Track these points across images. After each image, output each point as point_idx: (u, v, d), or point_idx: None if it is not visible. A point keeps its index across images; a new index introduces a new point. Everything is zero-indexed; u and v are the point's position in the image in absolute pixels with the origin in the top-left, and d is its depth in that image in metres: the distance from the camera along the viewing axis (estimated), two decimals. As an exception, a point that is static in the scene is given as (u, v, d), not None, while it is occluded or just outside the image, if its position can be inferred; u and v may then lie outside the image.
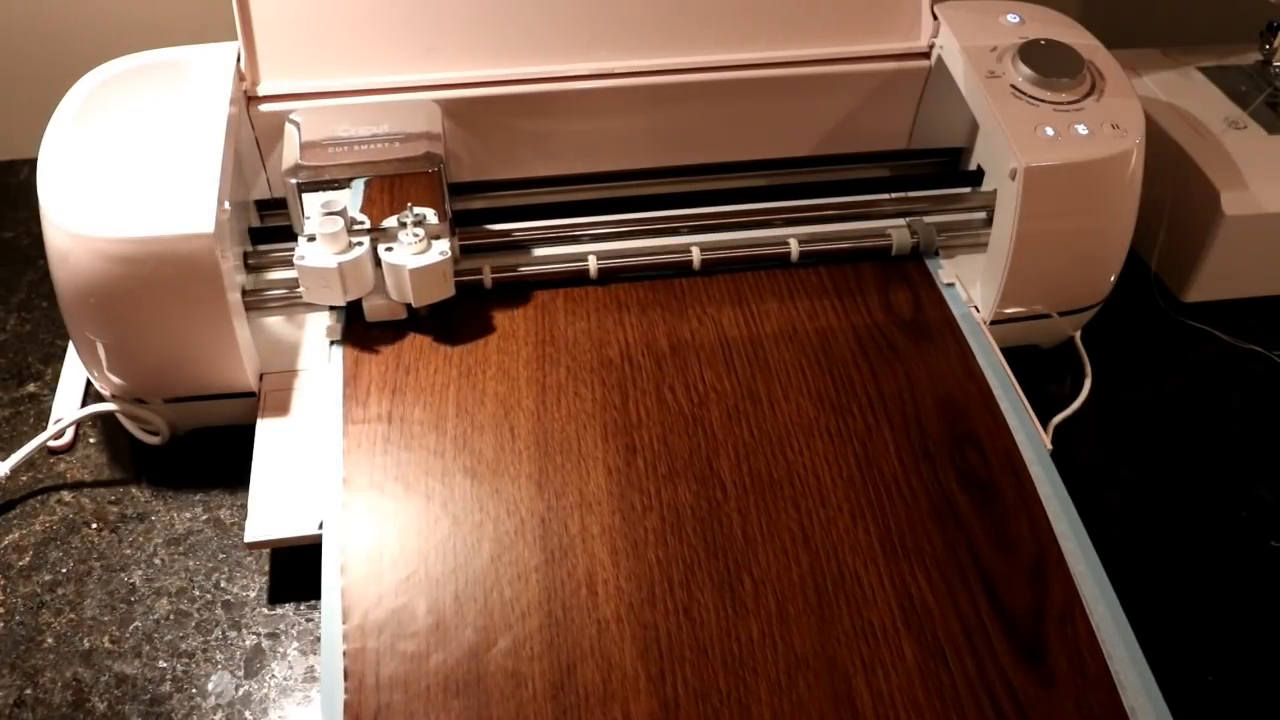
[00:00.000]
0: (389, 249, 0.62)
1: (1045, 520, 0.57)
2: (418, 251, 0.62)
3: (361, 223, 0.63)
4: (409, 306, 0.64)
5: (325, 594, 0.54)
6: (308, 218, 0.62)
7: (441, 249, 0.62)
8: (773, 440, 0.60)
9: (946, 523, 0.57)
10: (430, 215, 0.63)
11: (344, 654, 0.52)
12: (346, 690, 0.51)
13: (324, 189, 0.62)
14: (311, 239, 0.62)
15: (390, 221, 0.63)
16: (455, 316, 0.65)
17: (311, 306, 0.66)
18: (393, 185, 0.63)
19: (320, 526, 0.56)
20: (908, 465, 0.59)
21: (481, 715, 0.50)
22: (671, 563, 0.55)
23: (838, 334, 0.66)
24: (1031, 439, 0.61)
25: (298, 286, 0.66)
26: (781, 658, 0.52)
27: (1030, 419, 0.62)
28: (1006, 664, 0.52)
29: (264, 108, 0.68)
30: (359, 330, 0.65)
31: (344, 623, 0.53)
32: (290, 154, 0.63)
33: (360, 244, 0.62)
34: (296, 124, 0.65)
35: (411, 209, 0.63)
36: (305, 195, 0.62)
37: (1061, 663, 0.53)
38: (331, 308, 0.66)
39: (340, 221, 0.61)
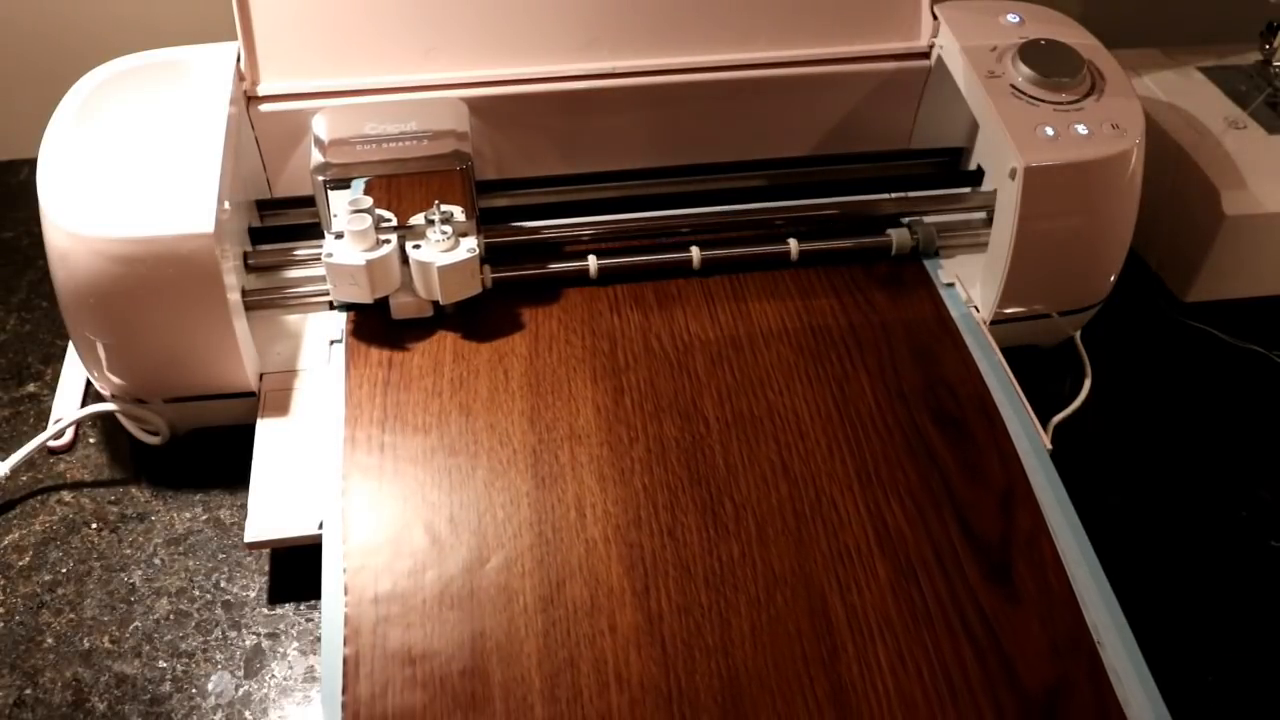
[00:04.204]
0: (416, 246, 0.62)
1: (1015, 456, 0.60)
2: (446, 249, 0.62)
3: (389, 220, 0.63)
4: (435, 304, 0.64)
5: (327, 516, 0.56)
6: (335, 215, 0.62)
7: (469, 246, 0.63)
8: (754, 382, 0.63)
9: (920, 457, 0.60)
10: (458, 213, 0.63)
11: (344, 570, 0.54)
12: (347, 604, 0.53)
13: (351, 187, 0.62)
14: (339, 236, 0.62)
15: (418, 219, 0.63)
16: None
17: (311, 306, 0.66)
18: (420, 183, 0.63)
19: (320, 526, 0.56)
20: (883, 405, 0.62)
21: (475, 626, 0.52)
22: (657, 489, 0.58)
23: (821, 294, 0.68)
24: (1031, 439, 0.61)
25: (298, 286, 0.66)
26: (760, 576, 0.55)
27: (1030, 419, 0.62)
28: (975, 583, 0.55)
29: (264, 108, 0.68)
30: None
31: (344, 543, 0.55)
32: (317, 151, 0.63)
33: (388, 241, 0.62)
34: (323, 121, 0.64)
35: (439, 206, 0.63)
36: (332, 193, 0.62)
37: (1027, 582, 0.55)
38: (330, 307, 0.66)
39: (368, 219, 0.61)
